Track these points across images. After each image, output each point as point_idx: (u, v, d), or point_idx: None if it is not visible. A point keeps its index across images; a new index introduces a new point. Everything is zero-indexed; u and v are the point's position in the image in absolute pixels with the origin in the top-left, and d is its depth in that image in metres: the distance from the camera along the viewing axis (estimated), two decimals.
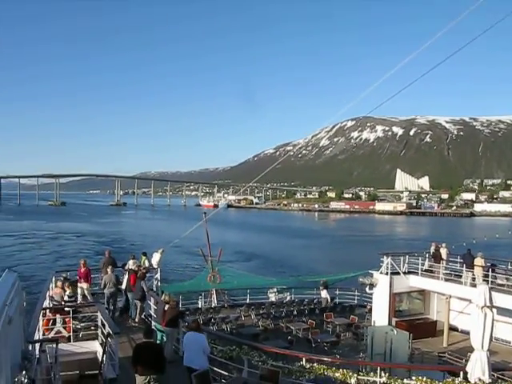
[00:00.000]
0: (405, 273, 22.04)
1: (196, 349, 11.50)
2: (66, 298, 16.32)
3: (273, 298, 27.30)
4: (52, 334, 14.93)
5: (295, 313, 24.47)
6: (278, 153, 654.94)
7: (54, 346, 12.05)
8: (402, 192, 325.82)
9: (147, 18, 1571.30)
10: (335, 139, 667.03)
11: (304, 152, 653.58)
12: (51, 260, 58.45)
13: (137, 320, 18.04)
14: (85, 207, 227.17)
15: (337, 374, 11.26)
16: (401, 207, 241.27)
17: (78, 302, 17.83)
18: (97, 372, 13.05)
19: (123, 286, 19.38)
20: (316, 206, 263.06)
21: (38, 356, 11.65)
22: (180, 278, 39.09)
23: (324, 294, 26.50)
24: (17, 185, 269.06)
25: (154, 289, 21.44)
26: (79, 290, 19.15)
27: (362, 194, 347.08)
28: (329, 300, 26.22)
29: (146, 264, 22.47)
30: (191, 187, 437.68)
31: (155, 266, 22.70)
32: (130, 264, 20.95)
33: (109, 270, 19.41)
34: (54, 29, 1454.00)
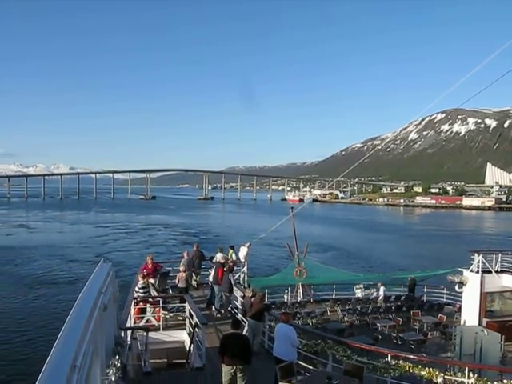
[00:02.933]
0: (497, 272, 20.94)
1: (285, 341, 11.62)
2: (136, 288, 16.90)
3: (359, 293, 26.94)
4: (143, 323, 15.51)
5: (381, 310, 23.98)
6: (365, 147, 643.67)
7: (145, 334, 12.57)
8: (491, 187, 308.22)
9: None
10: (424, 132, 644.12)
11: (392, 146, 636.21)
12: (141, 249, 60.99)
13: (223, 312, 18.36)
14: (174, 201, 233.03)
15: (423, 373, 10.93)
16: (489, 202, 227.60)
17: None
18: (184, 361, 13.48)
19: (210, 279, 19.84)
20: (401, 200, 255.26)
21: (129, 343, 12.20)
22: (266, 272, 39.22)
23: (381, 291, 25.90)
24: (111, 179, 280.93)
25: (241, 282, 21.81)
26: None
27: (449, 188, 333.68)
28: (381, 298, 25.55)
29: (234, 257, 22.84)
30: (278, 182, 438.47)
31: (242, 260, 22.97)
32: (218, 257, 21.38)
33: (185, 254, 21.48)
34: None
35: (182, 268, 19.78)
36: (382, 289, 26.00)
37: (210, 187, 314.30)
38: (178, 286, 19.35)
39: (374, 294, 26.68)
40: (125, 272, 38.15)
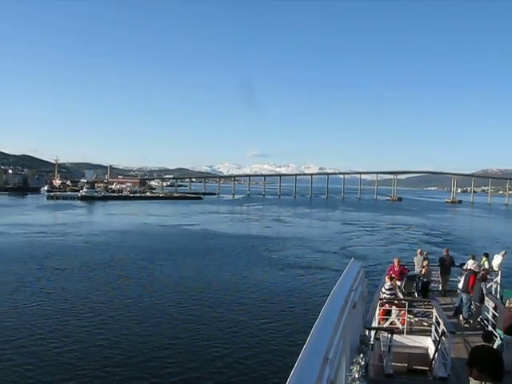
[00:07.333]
0: None
1: None
2: (383, 289, 16.69)
3: None
4: (387, 324, 15.39)
5: None
6: None
7: (389, 335, 12.42)
8: None
9: None
10: None
11: None
12: (384, 245, 63.12)
13: (472, 322, 17.32)
14: (419, 203, 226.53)
15: None
16: None
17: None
18: (426, 368, 13.04)
19: (460, 286, 18.92)
20: None
21: (372, 342, 12.18)
22: None
23: None
24: (358, 180, 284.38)
25: (493, 292, 20.32)
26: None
27: None
28: None
29: (486, 265, 21.60)
30: None
31: (496, 269, 21.60)
32: (469, 264, 20.37)
33: (418, 252, 21.76)
34: None
35: (425, 262, 20.04)
36: None
37: (459, 190, 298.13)
38: (424, 280, 19.82)
39: None
40: (367, 268, 39.02)
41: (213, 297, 31.04)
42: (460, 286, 19.01)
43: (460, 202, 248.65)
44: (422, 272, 20.26)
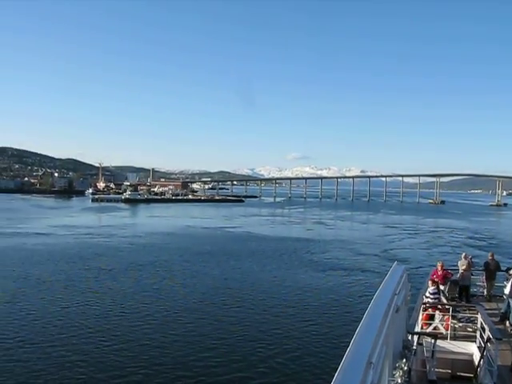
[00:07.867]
0: None
1: None
2: (426, 293, 16.60)
3: None
4: (430, 329, 15.23)
5: None
6: None
7: (432, 341, 12.29)
8: None
9: None
10: None
11: None
12: (426, 248, 62.87)
13: None
14: (462, 206, 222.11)
15: None
16: None
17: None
18: (471, 375, 12.63)
19: (506, 291, 18.59)
20: None
21: (415, 348, 12.10)
22: None
23: None
24: (400, 183, 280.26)
25: None
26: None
27: None
28: None
29: None
30: None
31: None
32: None
33: (463, 256, 21.00)
34: None
35: (463, 267, 19.81)
36: None
37: (504, 193, 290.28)
38: (460, 283, 19.59)
39: None
40: (409, 271, 38.97)
41: (255, 298, 31.60)
42: (506, 291, 18.59)
43: (505, 205, 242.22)
44: (458, 275, 20.12)
